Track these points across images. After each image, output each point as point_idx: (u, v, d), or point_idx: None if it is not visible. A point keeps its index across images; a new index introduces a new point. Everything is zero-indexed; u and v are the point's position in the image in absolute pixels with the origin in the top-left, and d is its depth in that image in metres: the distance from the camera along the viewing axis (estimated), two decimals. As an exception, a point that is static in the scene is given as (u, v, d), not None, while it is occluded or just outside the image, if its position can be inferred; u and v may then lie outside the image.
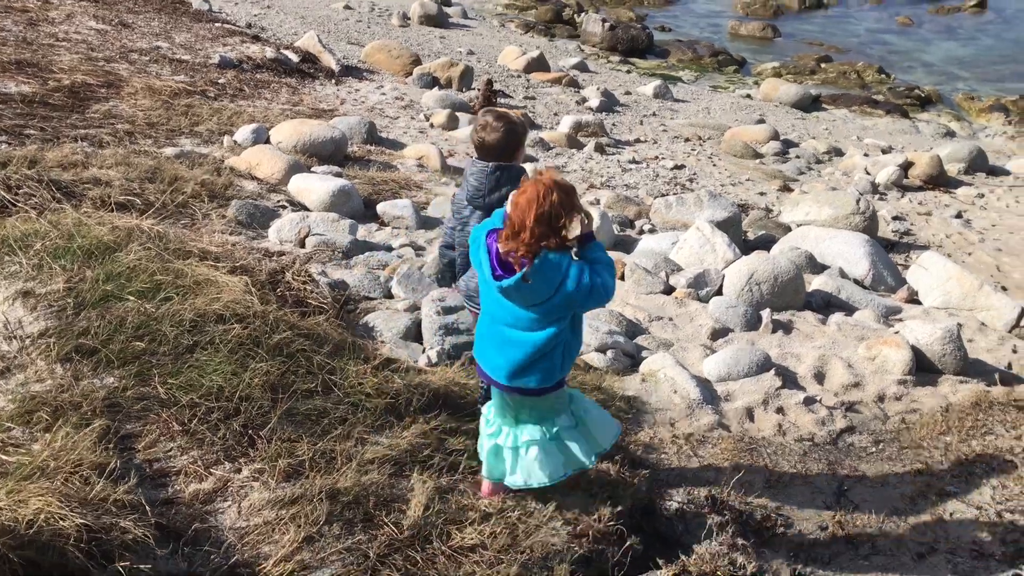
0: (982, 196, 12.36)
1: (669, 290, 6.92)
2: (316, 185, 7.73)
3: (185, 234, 5.81)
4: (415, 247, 7.16)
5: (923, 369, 6.17)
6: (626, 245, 8.24)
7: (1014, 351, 6.83)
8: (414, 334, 5.12)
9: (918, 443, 4.97)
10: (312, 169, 8.57)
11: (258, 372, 3.99)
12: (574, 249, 3.40)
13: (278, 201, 7.71)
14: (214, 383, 3.89)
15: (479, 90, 13.87)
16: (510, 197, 3.30)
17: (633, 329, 6.19)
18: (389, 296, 5.85)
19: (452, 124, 12.10)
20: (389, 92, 13.70)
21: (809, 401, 5.59)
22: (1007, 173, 14.19)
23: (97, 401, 3.68)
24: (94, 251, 4.71)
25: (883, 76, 23.12)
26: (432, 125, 12.10)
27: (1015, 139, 18.60)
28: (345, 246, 6.60)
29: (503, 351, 3.50)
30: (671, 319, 6.53)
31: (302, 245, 6.65)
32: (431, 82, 14.59)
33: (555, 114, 14.17)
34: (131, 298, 4.35)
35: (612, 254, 7.75)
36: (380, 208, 7.78)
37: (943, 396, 5.89)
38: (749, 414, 5.40)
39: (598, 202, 9.48)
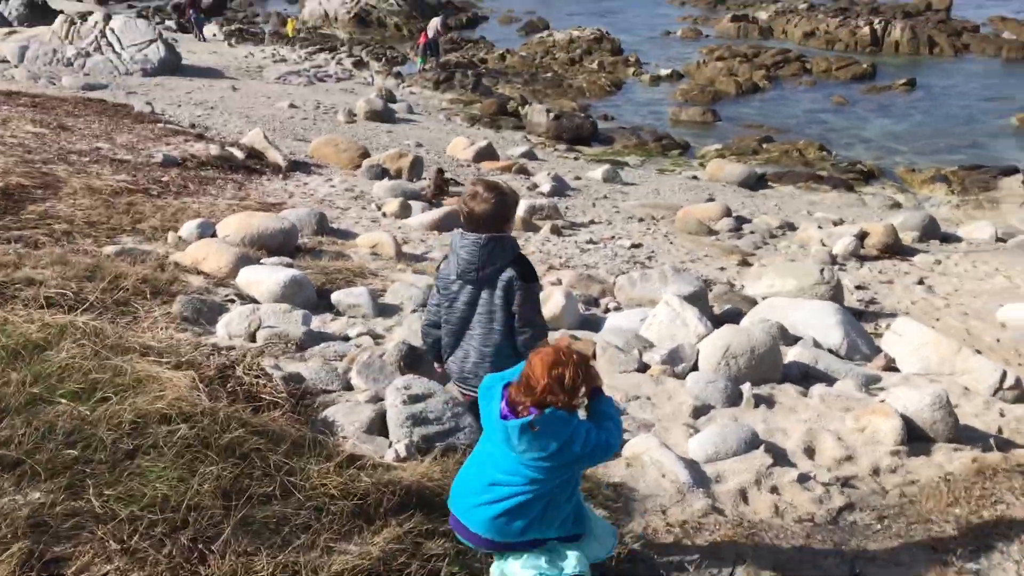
0: (939, 263, 12.37)
1: (643, 367, 6.60)
2: (266, 276, 7.35)
3: (125, 330, 5.37)
4: (374, 335, 6.78)
5: (914, 438, 5.88)
6: (593, 324, 7.95)
7: (1002, 415, 6.59)
8: (379, 427, 4.70)
9: (926, 517, 4.64)
10: (261, 261, 8.20)
11: (208, 477, 3.54)
12: (584, 403, 3.33)
13: (226, 295, 7.31)
14: (158, 492, 3.44)
15: (430, 179, 13.71)
16: (528, 357, 3.19)
17: (610, 411, 5.83)
18: (349, 388, 5.45)
19: (405, 212, 11.85)
20: (338, 184, 13.46)
21: (803, 478, 5.25)
22: (959, 240, 14.30)
23: (19, 521, 3.20)
24: (20, 351, 4.26)
25: (825, 153, 23.59)
26: (385, 214, 11.84)
27: (960, 208, 18.93)
28: (299, 338, 6.20)
29: (484, 497, 3.31)
30: (649, 398, 6.19)
31: (253, 339, 6.24)
32: (381, 173, 14.41)
33: (508, 200, 14.02)
34: (63, 401, 3.90)
35: (580, 333, 7.46)
36: (335, 297, 7.41)
37: (939, 465, 5.59)
38: (743, 495, 5.03)
39: (560, 282, 9.21)
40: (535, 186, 15.29)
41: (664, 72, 32.76)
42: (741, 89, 30.82)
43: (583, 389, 3.23)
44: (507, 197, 3.69)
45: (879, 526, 4.74)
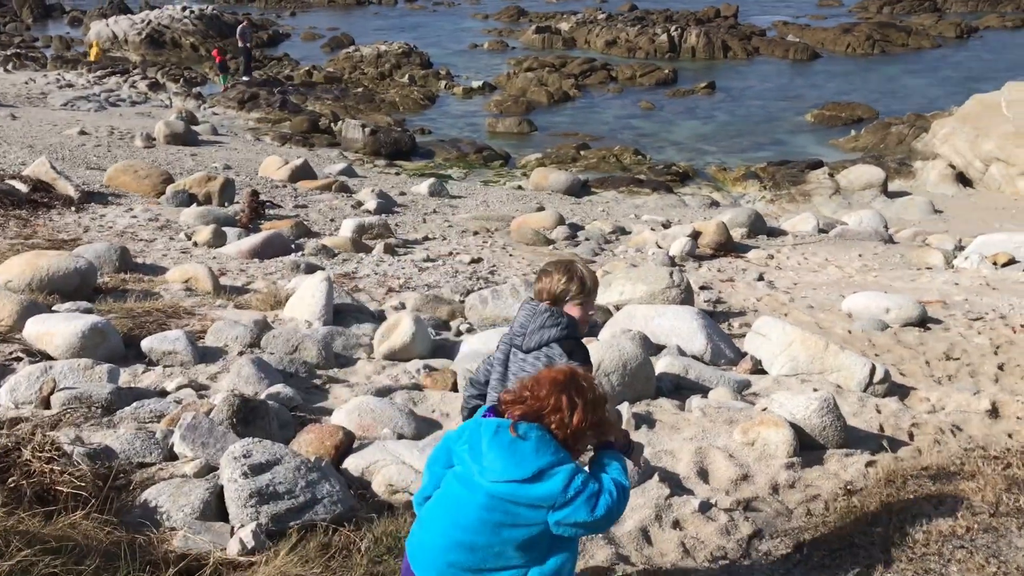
0: (772, 257, 12.45)
1: (512, 397, 5.94)
2: (60, 327, 6.17)
3: None
4: (196, 387, 5.78)
5: (804, 446, 5.52)
6: (447, 350, 7.23)
7: (878, 411, 6.37)
8: (215, 508, 3.78)
9: (848, 539, 4.20)
10: (54, 308, 6.98)
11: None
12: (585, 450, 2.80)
13: (10, 353, 6.09)
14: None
15: (244, 202, 12.58)
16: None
17: (483, 450, 5.13)
18: (172, 457, 4.48)
19: (219, 240, 10.72)
20: (141, 214, 12.10)
21: (704, 507, 4.73)
22: (785, 233, 14.55)
23: None
24: None
25: (640, 157, 23.89)
26: (196, 243, 10.66)
27: (774, 202, 19.51)
28: (105, 398, 5.13)
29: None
30: (523, 431, 5.53)
31: (46, 405, 5.12)
32: (188, 199, 13.10)
33: (331, 220, 13.09)
34: None
35: (436, 363, 6.72)
36: (146, 345, 6.32)
37: (835, 475, 5.25)
38: (645, 536, 4.46)
39: (404, 306, 8.44)
40: (360, 204, 14.40)
41: (476, 84, 32.50)
42: (553, 98, 30.96)
43: (590, 431, 2.70)
44: (579, 274, 3.56)
45: (798, 556, 4.28)
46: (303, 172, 16.44)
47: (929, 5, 51.13)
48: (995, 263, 11.78)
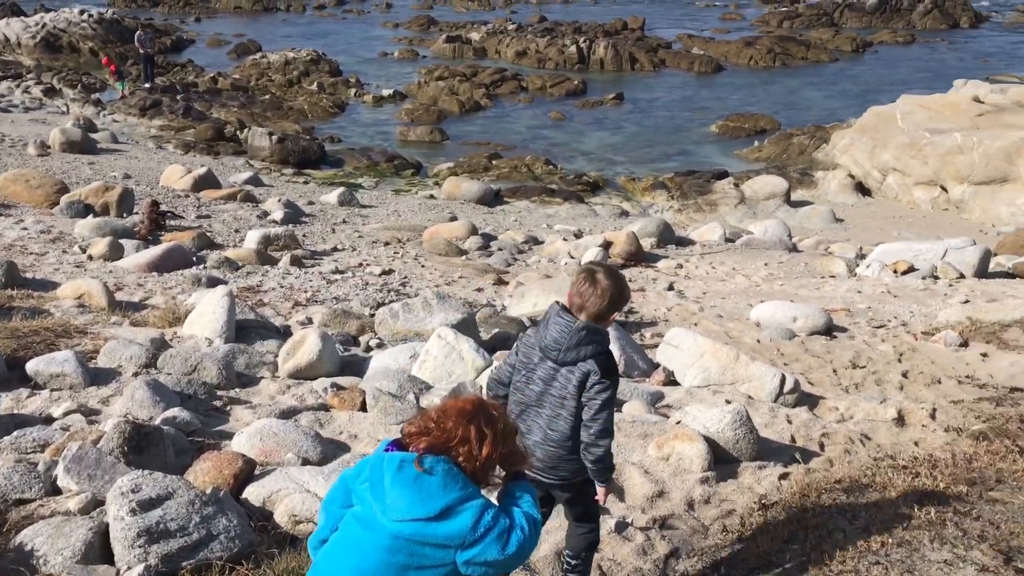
0: (681, 266, 12.55)
1: (423, 415, 5.76)
2: (-67, 349, 5.75)
3: None
4: (86, 412, 5.44)
5: (718, 460, 5.49)
6: (356, 366, 7.00)
7: (789, 421, 6.40)
8: (100, 550, 3.49)
9: (765, 557, 4.16)
10: (-73, 329, 6.50)
11: None
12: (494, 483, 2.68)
13: None
14: None
15: (143, 213, 12.08)
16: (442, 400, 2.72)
17: (394, 473, 4.93)
18: (56, 491, 4.16)
19: (116, 253, 10.24)
20: (32, 226, 11.50)
21: (620, 527, 4.64)
22: (692, 243, 14.70)
23: None
24: None
25: (551, 167, 23.96)
26: (91, 257, 10.16)
27: (682, 212, 19.76)
28: (-18, 427, 4.77)
29: None
30: (434, 451, 5.36)
31: (-85, 436, 4.73)
32: (83, 210, 12.52)
33: (236, 230, 12.67)
34: None
35: (344, 380, 6.49)
36: (31, 367, 5.92)
37: (750, 489, 5.23)
38: (562, 560, 4.33)
39: (310, 321, 8.16)
40: (266, 214, 14.00)
41: (387, 92, 32.18)
42: (464, 107, 30.85)
43: (497, 464, 2.57)
44: (622, 289, 3.46)
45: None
46: (207, 181, 15.93)
47: (826, 20, 52.85)
48: (895, 271, 12.11)
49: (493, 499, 2.67)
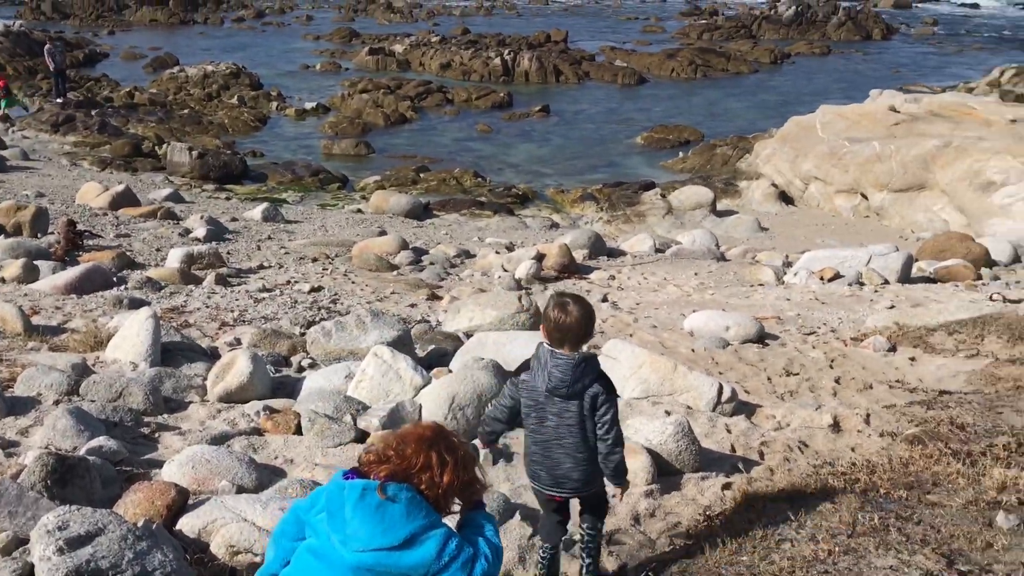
0: (613, 278, 12.59)
1: (362, 436, 5.62)
2: None
3: None
4: (4, 444, 5.16)
5: (662, 472, 5.47)
6: (288, 388, 6.80)
7: (728, 430, 6.42)
8: (25, 592, 3.30)
9: (715, 570, 4.12)
10: None
11: None
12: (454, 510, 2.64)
13: None
14: None
15: (59, 233, 11.63)
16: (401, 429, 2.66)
17: (333, 498, 4.78)
18: (-27, 532, 3.91)
19: (30, 276, 9.82)
20: (-63, 248, 10.97)
21: (568, 544, 4.56)
22: (623, 254, 14.78)
23: None
24: None
25: (480, 179, 23.94)
26: (3, 280, 9.72)
27: (611, 223, 19.89)
28: None
29: None
30: (375, 474, 5.21)
31: None
32: (-6, 231, 12.01)
33: (158, 249, 12.30)
34: None
35: (276, 403, 6.29)
36: (-59, 398, 5.61)
37: (693, 500, 5.21)
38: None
39: (239, 342, 7.92)
40: (188, 231, 13.62)
41: (310, 105, 31.80)
42: (389, 120, 30.68)
43: (458, 492, 2.54)
44: (592, 311, 3.80)
45: (667, 592, 4.17)
46: (125, 199, 15.46)
47: (745, 32, 54.11)
48: (822, 278, 12.34)
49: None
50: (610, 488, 4.11)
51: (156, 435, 5.63)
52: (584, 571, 4.20)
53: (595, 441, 3.83)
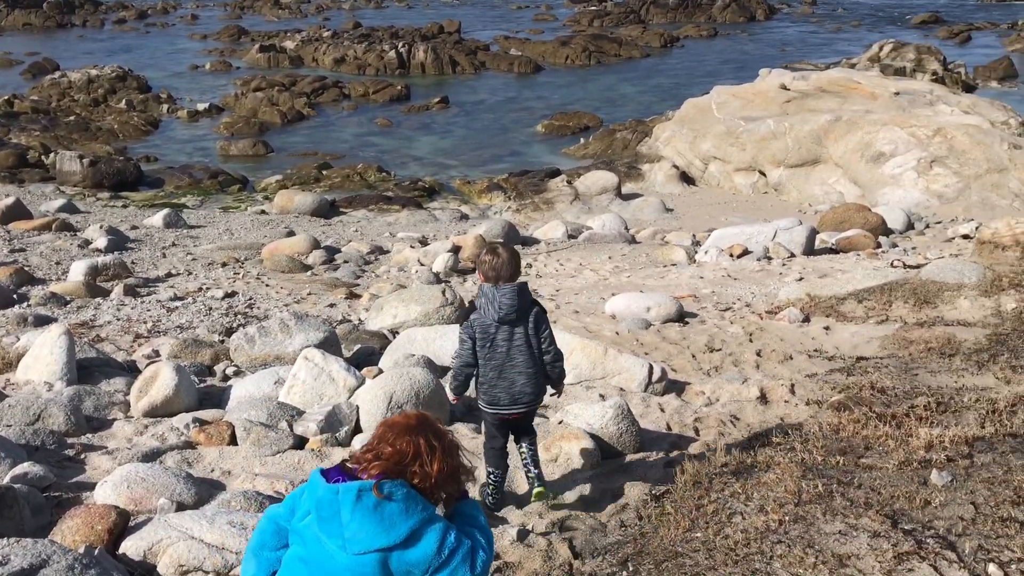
0: (531, 265, 12.63)
1: (300, 442, 5.50)
2: None
3: None
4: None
5: (604, 455, 5.52)
6: (214, 398, 6.60)
7: (662, 409, 6.53)
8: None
9: (671, 549, 4.18)
10: None
11: None
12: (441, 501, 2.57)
13: None
14: None
15: (-52, 251, 11.04)
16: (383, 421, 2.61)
17: (279, 507, 4.67)
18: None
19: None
20: None
21: (522, 535, 4.56)
22: (537, 241, 14.85)
23: None
24: None
25: (384, 174, 23.72)
26: None
27: (520, 211, 19.96)
28: None
29: None
30: (318, 479, 5.11)
31: None
32: None
33: (57, 263, 11.78)
34: None
35: (206, 414, 6.11)
36: None
37: (639, 480, 5.26)
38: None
39: (157, 354, 7.65)
40: (88, 243, 13.08)
41: (202, 106, 30.93)
42: (286, 118, 30.10)
43: (447, 478, 2.48)
44: (517, 252, 4.60)
45: (625, 573, 4.20)
46: (16, 212, 14.75)
47: (634, 18, 54.92)
48: (732, 255, 12.64)
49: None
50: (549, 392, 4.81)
51: (82, 456, 5.40)
52: (535, 481, 4.78)
53: (540, 356, 4.54)
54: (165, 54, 43.14)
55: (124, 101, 30.93)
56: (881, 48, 35.88)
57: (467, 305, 5.08)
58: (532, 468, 4.81)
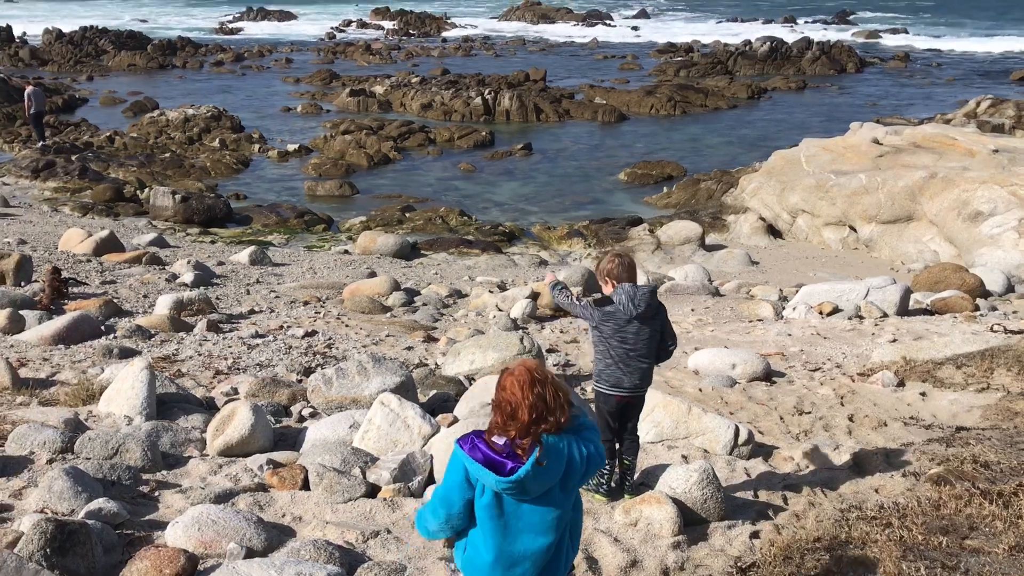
0: (610, 316, 12.40)
1: (372, 490, 5.38)
2: None
3: None
4: (-4, 508, 4.87)
5: (687, 521, 5.26)
6: (289, 439, 6.54)
7: (748, 475, 6.23)
8: None
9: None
10: None
11: None
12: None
13: None
14: None
15: (44, 281, 11.34)
16: (498, 382, 3.25)
17: (349, 558, 4.55)
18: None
19: (16, 326, 9.52)
20: (-83, 299, 10.64)
21: (600, 602, 4.34)
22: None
23: None
24: None
25: (466, 218, 23.79)
26: (-11, 332, 9.42)
27: (600, 259, 19.74)
28: None
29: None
30: (390, 531, 4.97)
31: None
32: (-25, 280, 11.69)
33: (145, 296, 12.01)
34: None
35: (280, 455, 6.04)
36: (-72, 460, 5.32)
37: (722, 551, 5.01)
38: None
39: (236, 391, 7.66)
40: (175, 277, 13.34)
41: (292, 147, 31.63)
42: (372, 161, 30.53)
43: (566, 402, 3.13)
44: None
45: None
46: (109, 244, 15.17)
47: (721, 68, 54.61)
48: (821, 312, 12.22)
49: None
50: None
51: (156, 494, 5.37)
52: (629, 490, 5.50)
53: (663, 347, 5.42)
54: (259, 96, 44.44)
55: (217, 140, 31.84)
56: (978, 104, 34.89)
57: (592, 299, 5.67)
58: (630, 478, 5.56)
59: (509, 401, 3.07)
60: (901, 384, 8.73)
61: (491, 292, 13.50)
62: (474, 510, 3.19)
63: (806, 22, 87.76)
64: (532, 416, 3.03)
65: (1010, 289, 14.95)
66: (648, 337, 5.25)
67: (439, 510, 3.24)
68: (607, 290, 5.29)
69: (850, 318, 11.91)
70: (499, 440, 3.09)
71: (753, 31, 73.55)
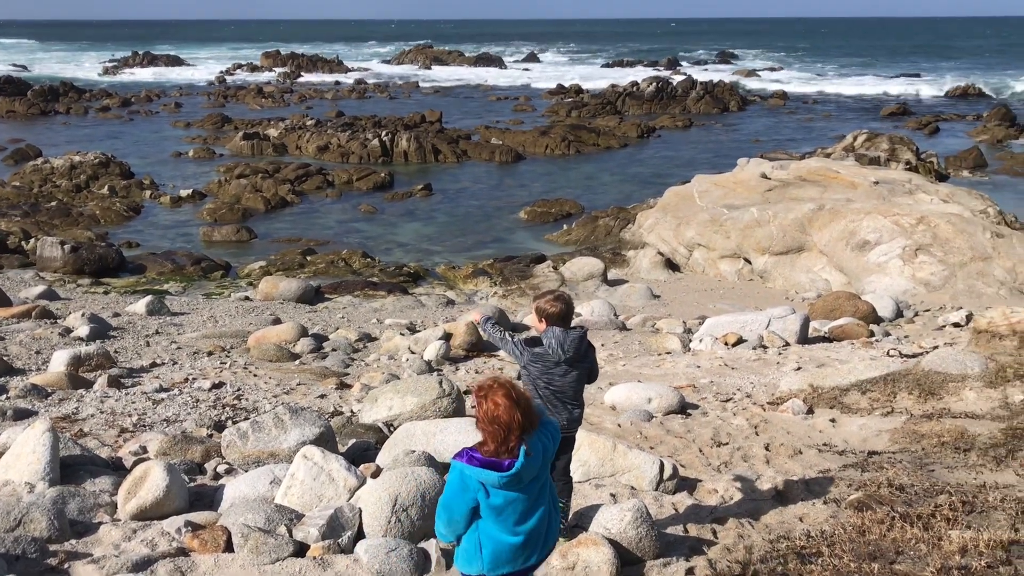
0: (523, 355, 12.40)
1: (301, 549, 5.18)
2: None
3: None
4: None
5: (624, 561, 5.24)
6: (205, 498, 6.26)
7: (676, 510, 6.26)
8: None
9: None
10: None
11: None
12: None
13: None
14: None
15: (-76, 341, 10.68)
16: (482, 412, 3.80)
17: (282, 623, 4.35)
18: None
19: None
20: None
21: (545, 651, 4.26)
22: (527, 328, 14.65)
23: None
24: None
25: (369, 260, 23.58)
26: None
27: (507, 297, 19.81)
28: None
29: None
30: (322, 590, 4.78)
31: None
32: None
33: (38, 352, 11.43)
34: None
35: (198, 516, 5.77)
36: None
37: (661, 589, 4.99)
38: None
39: (144, 450, 7.31)
40: (69, 331, 12.74)
41: (185, 192, 30.88)
42: (270, 204, 30.06)
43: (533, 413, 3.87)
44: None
45: None
46: (-6, 299, 14.42)
47: (610, 108, 55.98)
48: (726, 343, 12.50)
49: None
50: None
51: (66, 566, 5.05)
52: (563, 529, 5.31)
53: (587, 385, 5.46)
54: (149, 141, 43.33)
55: (107, 187, 30.82)
56: (855, 138, 36.62)
57: (523, 338, 5.45)
58: (564, 521, 5.38)
59: (507, 423, 3.69)
60: (811, 411, 8.96)
61: (402, 335, 13.35)
62: (482, 514, 3.79)
63: (687, 65, 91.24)
64: (522, 429, 3.74)
65: (899, 314, 15.62)
66: (575, 380, 5.28)
67: (442, 515, 3.84)
68: (539, 327, 5.27)
69: (755, 348, 12.21)
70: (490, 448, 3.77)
71: (638, 73, 75.92)
